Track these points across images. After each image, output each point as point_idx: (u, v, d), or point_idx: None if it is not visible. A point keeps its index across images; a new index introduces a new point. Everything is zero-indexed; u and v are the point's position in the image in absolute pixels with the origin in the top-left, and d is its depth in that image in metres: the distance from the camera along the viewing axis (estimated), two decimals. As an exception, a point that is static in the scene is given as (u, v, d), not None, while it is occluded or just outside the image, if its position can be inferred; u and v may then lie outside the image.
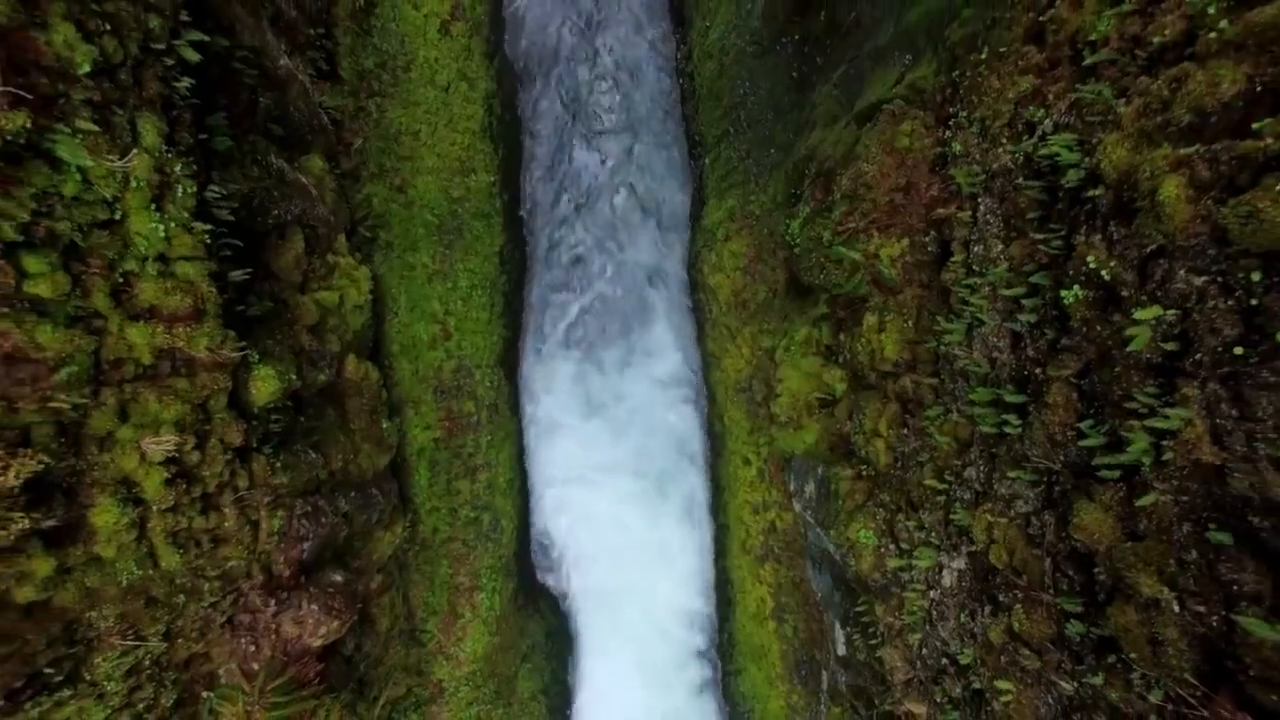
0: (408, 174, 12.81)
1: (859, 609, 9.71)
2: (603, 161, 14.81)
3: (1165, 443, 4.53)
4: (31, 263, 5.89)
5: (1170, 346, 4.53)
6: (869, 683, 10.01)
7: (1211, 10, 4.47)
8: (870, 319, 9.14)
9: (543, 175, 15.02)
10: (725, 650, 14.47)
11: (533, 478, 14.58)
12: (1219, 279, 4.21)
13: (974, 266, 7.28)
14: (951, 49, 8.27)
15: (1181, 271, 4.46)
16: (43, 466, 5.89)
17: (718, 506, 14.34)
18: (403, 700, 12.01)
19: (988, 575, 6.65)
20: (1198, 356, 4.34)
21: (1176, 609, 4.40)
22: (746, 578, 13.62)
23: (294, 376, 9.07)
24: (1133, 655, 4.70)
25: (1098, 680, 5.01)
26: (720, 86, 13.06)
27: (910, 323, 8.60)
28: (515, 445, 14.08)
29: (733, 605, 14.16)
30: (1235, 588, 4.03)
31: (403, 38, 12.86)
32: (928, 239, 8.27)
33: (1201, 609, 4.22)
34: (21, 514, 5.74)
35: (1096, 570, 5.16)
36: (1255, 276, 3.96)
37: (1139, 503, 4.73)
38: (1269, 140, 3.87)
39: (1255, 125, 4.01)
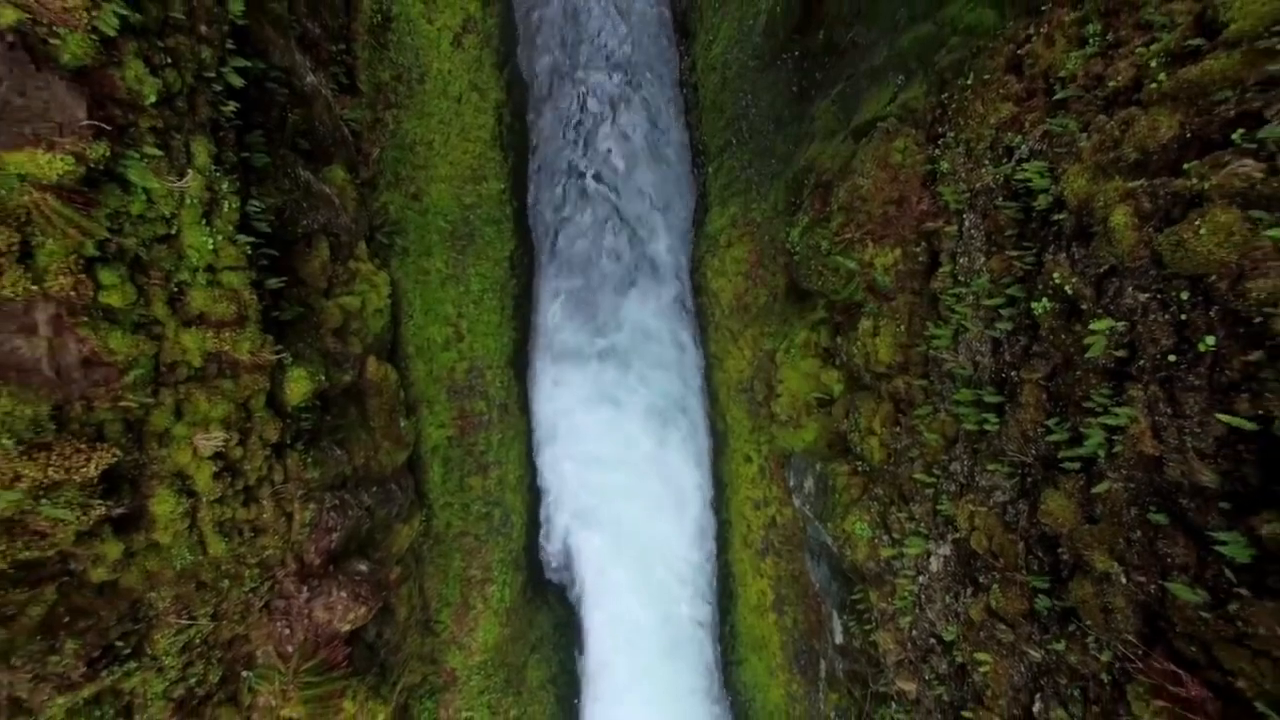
0: (422, 182, 13.58)
1: (855, 597, 10.51)
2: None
3: (1116, 437, 5.33)
4: (106, 276, 6.66)
5: (1120, 353, 5.34)
6: (864, 667, 10.80)
7: (1154, 64, 5.28)
8: (865, 323, 9.92)
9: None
10: (727, 641, 15.26)
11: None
12: (1158, 296, 5.02)
13: (959, 277, 8.08)
14: (940, 73, 9.07)
15: (1129, 289, 5.27)
16: (115, 459, 6.65)
17: (720, 502, 15.14)
18: (418, 687, 12.79)
19: (970, 560, 7.45)
20: (1141, 362, 5.14)
21: (1124, 580, 5.21)
22: (748, 571, 14.42)
23: (322, 377, 9.84)
24: (1089, 623, 5.51)
25: (1060, 646, 5.82)
26: (723, 98, 13.85)
27: (903, 327, 9.39)
28: (525, 443, 14.86)
29: (734, 598, 14.96)
30: (1168, 560, 4.84)
31: (417, 51, 13.63)
32: (918, 249, 9.07)
33: (1142, 579, 5.03)
34: (99, 501, 6.51)
35: (1060, 550, 5.97)
36: (1184, 295, 4.76)
37: (1095, 490, 5.54)
38: (1195, 180, 4.66)
39: (1185, 166, 4.81)
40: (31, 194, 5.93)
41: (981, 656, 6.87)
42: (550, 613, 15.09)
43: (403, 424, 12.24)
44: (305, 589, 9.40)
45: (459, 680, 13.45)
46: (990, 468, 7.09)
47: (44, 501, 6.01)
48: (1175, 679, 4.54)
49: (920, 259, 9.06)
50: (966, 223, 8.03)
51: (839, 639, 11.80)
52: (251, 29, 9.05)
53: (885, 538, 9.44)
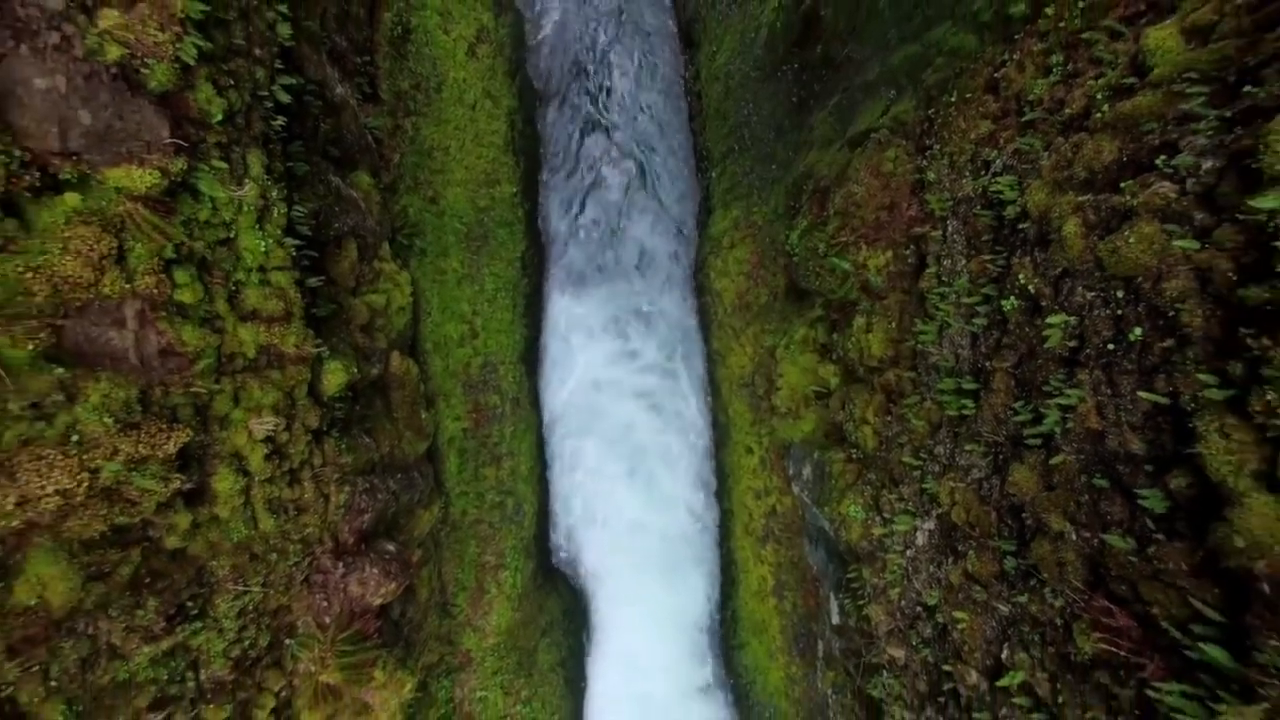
0: (439, 186, 14.62)
1: (850, 576, 11.55)
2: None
3: (1068, 416, 6.39)
4: (180, 275, 7.68)
5: (1072, 344, 6.40)
6: (858, 642, 11.84)
7: (1099, 95, 6.34)
8: (859, 320, 10.97)
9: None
10: (729, 626, 16.31)
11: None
12: (1101, 294, 6.07)
13: (943, 278, 9.13)
14: (928, 90, 10.13)
15: (1079, 288, 6.32)
16: (188, 439, 7.67)
17: (723, 493, 16.18)
18: (436, 666, 13.80)
19: (951, 531, 8.51)
20: (1088, 351, 6.20)
21: (1074, 537, 6.26)
22: (749, 558, 15.46)
23: (354, 369, 10.86)
24: (1045, 576, 6.56)
25: (1024, 599, 6.88)
26: (726, 107, 14.92)
27: (893, 324, 10.44)
28: (535, 435, 15.89)
29: (736, 584, 16.01)
30: (1108, 517, 5.89)
31: (434, 60, 14.67)
32: (907, 252, 10.12)
33: (1088, 535, 6.08)
34: (176, 475, 7.53)
35: (1025, 516, 7.02)
36: (1119, 294, 5.82)
37: (1052, 462, 6.59)
38: (1128, 197, 5.72)
39: (1122, 185, 5.86)
40: (125, 204, 6.94)
41: (959, 615, 7.92)
42: (559, 599, 16.11)
43: (423, 415, 13.27)
44: (340, 565, 10.41)
45: (474, 661, 14.47)
46: (968, 448, 8.14)
47: (135, 473, 7.03)
48: (1109, 613, 5.59)
49: (909, 261, 10.11)
50: (949, 228, 9.08)
51: (835, 619, 12.85)
52: (293, 47, 10.07)
53: (877, 518, 10.49)
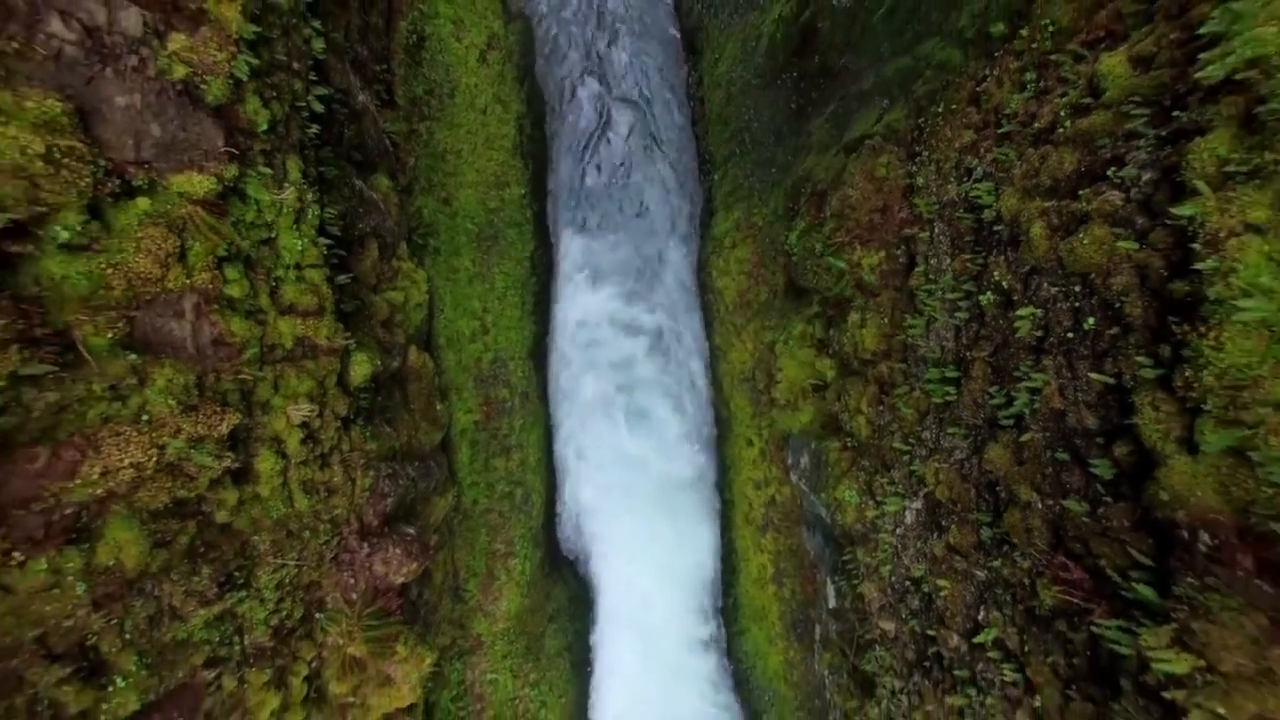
0: (452, 188, 15.55)
1: (845, 558, 12.49)
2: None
3: (1035, 398, 7.34)
4: (230, 272, 8.61)
5: (1038, 333, 7.35)
6: (853, 622, 12.76)
7: (1063, 112, 7.29)
8: (854, 316, 11.91)
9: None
10: (730, 613, 17.23)
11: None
12: (1062, 289, 7.02)
13: (930, 276, 10.08)
14: (917, 100, 11.09)
15: (1044, 284, 7.27)
16: (238, 421, 8.59)
17: (724, 484, 17.11)
18: (449, 649, 14.70)
19: (935, 509, 9.45)
20: (1052, 339, 7.15)
21: (1039, 505, 7.21)
22: (749, 546, 16.39)
23: (378, 362, 11.78)
24: (1015, 541, 7.51)
25: (997, 564, 7.82)
26: (728, 112, 15.87)
27: (885, 319, 11.38)
28: (543, 428, 16.81)
29: (737, 573, 16.93)
30: (1067, 485, 6.83)
31: (448, 67, 15.61)
32: (899, 252, 11.07)
33: (1051, 502, 7.03)
34: (227, 454, 8.44)
35: (999, 490, 7.97)
36: (1077, 288, 6.77)
37: (1022, 440, 7.54)
38: (1084, 203, 6.67)
39: (1080, 192, 6.82)
40: (186, 207, 7.87)
41: (942, 583, 8.86)
42: (566, 587, 17.03)
43: (438, 407, 14.19)
44: (366, 545, 11.32)
45: (484, 645, 15.37)
46: (950, 431, 9.09)
47: (194, 450, 7.95)
48: (1066, 568, 6.53)
49: (900, 260, 11.06)
50: (936, 230, 10.03)
51: (832, 603, 13.78)
52: (324, 60, 11.01)
53: (870, 501, 11.43)
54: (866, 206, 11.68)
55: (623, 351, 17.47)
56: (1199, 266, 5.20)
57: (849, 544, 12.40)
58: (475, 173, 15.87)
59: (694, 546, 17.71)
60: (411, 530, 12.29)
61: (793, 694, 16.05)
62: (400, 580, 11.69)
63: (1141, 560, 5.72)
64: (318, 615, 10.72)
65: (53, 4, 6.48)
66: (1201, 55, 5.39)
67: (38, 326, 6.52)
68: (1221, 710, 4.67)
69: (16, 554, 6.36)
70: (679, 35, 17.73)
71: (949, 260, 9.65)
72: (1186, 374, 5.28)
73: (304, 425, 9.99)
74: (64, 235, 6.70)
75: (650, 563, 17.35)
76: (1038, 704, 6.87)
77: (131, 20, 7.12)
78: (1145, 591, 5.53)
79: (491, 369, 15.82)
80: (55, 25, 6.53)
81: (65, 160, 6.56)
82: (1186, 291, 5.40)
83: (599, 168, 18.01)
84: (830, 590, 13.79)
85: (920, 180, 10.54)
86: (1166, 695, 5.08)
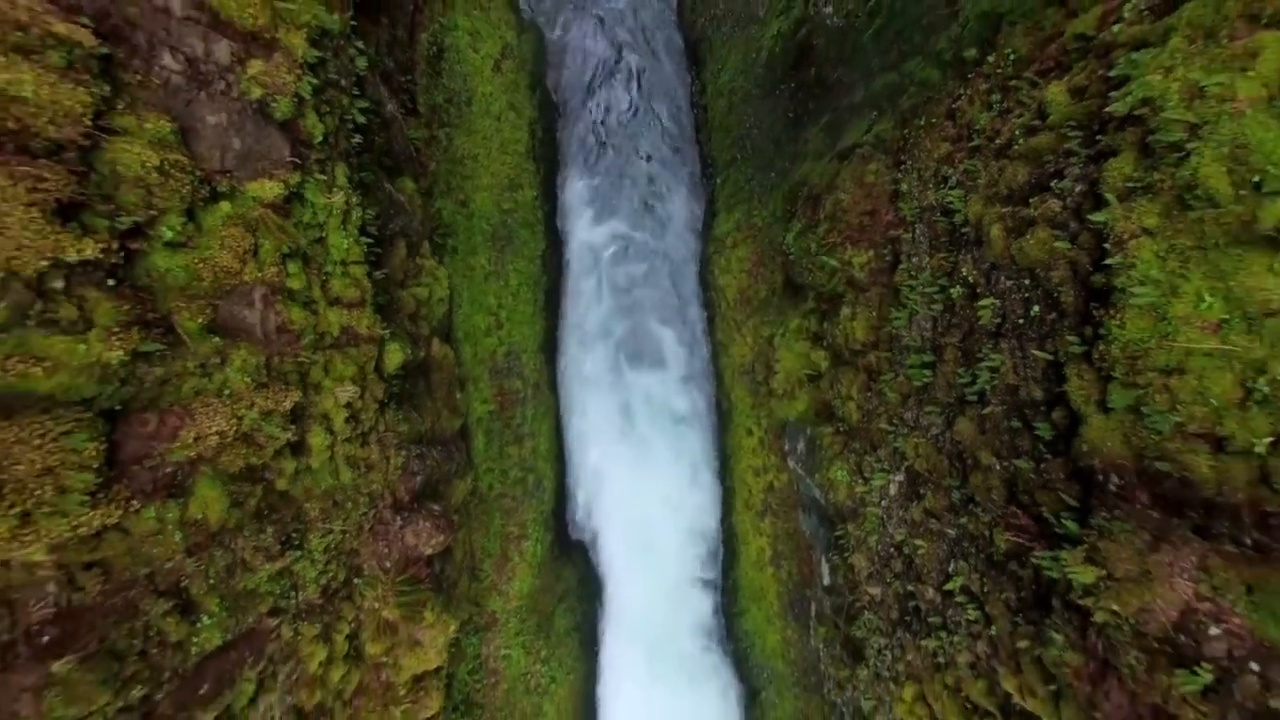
0: (469, 191, 17.05)
1: (837, 534, 13.99)
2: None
3: (994, 375, 8.86)
4: (291, 267, 10.09)
5: (997, 320, 8.87)
6: (845, 596, 14.26)
7: (1018, 131, 8.83)
8: (846, 310, 13.42)
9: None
10: (730, 594, 18.72)
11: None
12: (1015, 282, 8.55)
13: (912, 273, 11.60)
14: (903, 113, 12.62)
15: (1002, 278, 8.80)
16: (298, 398, 10.06)
17: (725, 471, 18.62)
18: (465, 625, 16.15)
19: (915, 479, 10.97)
20: (1008, 325, 8.67)
21: (998, 468, 8.72)
22: (749, 530, 17.89)
23: (409, 351, 13.27)
24: (979, 499, 9.02)
25: (964, 520, 9.34)
26: (730, 120, 17.42)
27: (874, 313, 12.89)
28: (554, 418, 18.30)
29: (737, 556, 18.43)
30: (1019, 449, 8.35)
31: (465, 76, 17.12)
32: (885, 251, 12.59)
33: (1006, 464, 8.54)
34: (290, 427, 9.92)
35: (966, 458, 9.48)
36: (1027, 281, 8.30)
37: (984, 412, 9.06)
38: (1033, 210, 8.19)
39: (1030, 200, 8.34)
40: (259, 210, 9.35)
41: (920, 543, 10.37)
42: (574, 569, 18.51)
43: (458, 396, 15.67)
44: (398, 518, 12.79)
45: (499, 622, 16.83)
46: (927, 410, 10.61)
47: (265, 422, 9.42)
48: (1016, 516, 8.05)
49: (886, 258, 12.58)
50: (917, 231, 11.56)
51: (826, 581, 15.28)
52: (363, 75, 12.51)
53: (860, 479, 12.94)
54: (857, 209, 13.19)
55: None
56: (1109, 262, 6.73)
57: (840, 521, 13.90)
58: (490, 176, 17.38)
59: (689, 471, 19.28)
60: (437, 507, 13.76)
61: (790, 671, 17.53)
62: (428, 551, 13.16)
63: (1070, 502, 7.24)
64: (356, 580, 12.18)
65: (165, 41, 7.97)
66: (1113, 93, 6.93)
67: (150, 312, 8.00)
68: (1116, 607, 6.18)
69: (134, 502, 7.82)
70: (683, 46, 19.29)
71: (927, 258, 11.17)
72: (1101, 348, 6.80)
73: (348, 406, 11.46)
74: (168, 234, 8.18)
75: (650, 489, 18.97)
76: (993, 632, 8.38)
77: (222, 51, 8.62)
78: (1071, 526, 7.05)
79: (506, 361, 17.31)
80: (166, 59, 8.02)
81: (172, 171, 8.04)
82: (1102, 282, 6.93)
83: (606, 168, 19.60)
84: (825, 569, 15.29)
85: (904, 186, 12.06)
86: (1080, 602, 6.60)
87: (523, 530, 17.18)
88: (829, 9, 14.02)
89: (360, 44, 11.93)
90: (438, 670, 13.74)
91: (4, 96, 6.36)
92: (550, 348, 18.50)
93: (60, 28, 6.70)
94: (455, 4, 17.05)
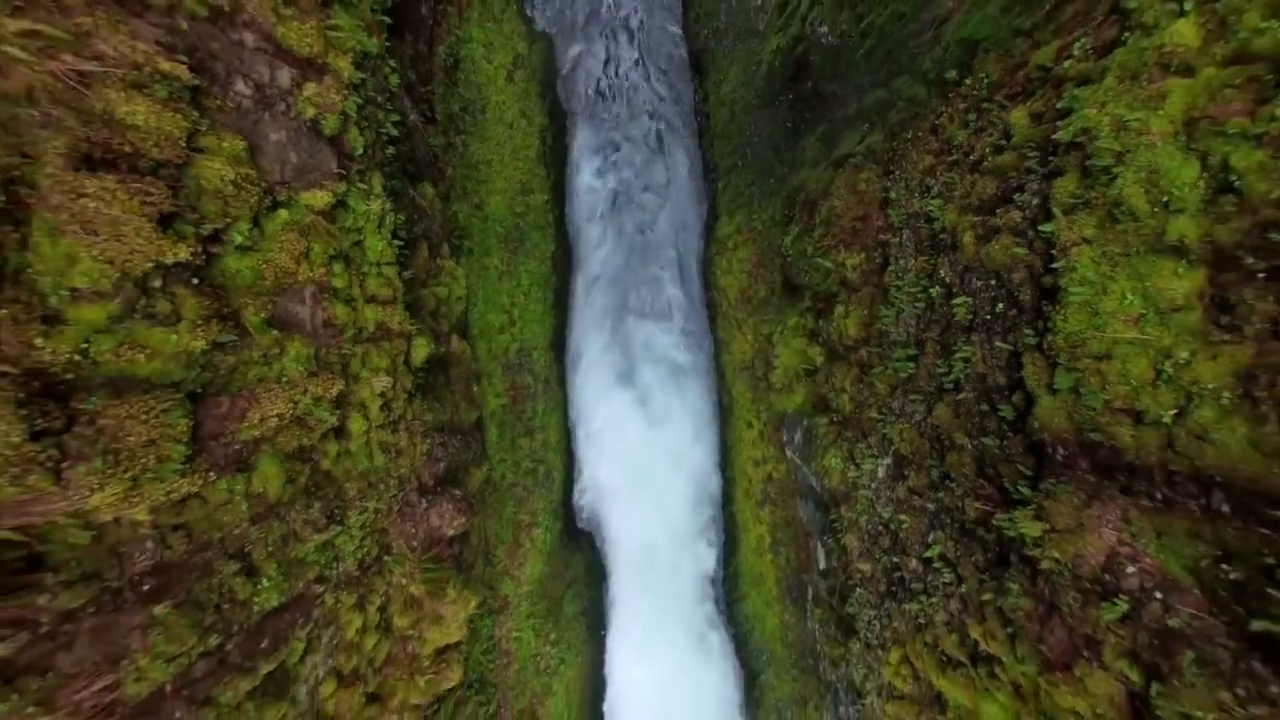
0: (484, 194, 18.46)
1: (831, 518, 15.41)
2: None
3: (966, 365, 10.28)
4: (336, 267, 11.49)
5: (970, 317, 10.30)
6: (839, 577, 15.67)
7: (988, 149, 10.26)
8: (840, 309, 14.85)
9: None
10: (731, 581, 20.14)
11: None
12: (984, 283, 9.98)
13: (899, 274, 13.02)
14: (892, 127, 14.06)
15: (973, 279, 10.23)
16: (342, 386, 11.46)
17: (726, 463, 20.04)
18: (480, 607, 17.53)
19: (900, 462, 12.39)
20: (977, 320, 10.10)
21: (969, 446, 10.14)
22: (749, 519, 19.31)
23: (432, 346, 14.67)
24: (953, 475, 10.44)
25: (942, 495, 10.76)
26: (731, 128, 18.86)
27: (865, 311, 14.31)
28: (563, 413, 19.71)
29: (737, 544, 19.85)
30: (987, 429, 9.77)
31: (480, 86, 18.54)
32: (875, 254, 14.02)
33: (976, 442, 9.97)
34: (335, 412, 11.31)
35: (943, 439, 10.91)
36: (994, 282, 9.73)
37: (958, 399, 10.49)
38: (998, 219, 9.62)
39: (996, 211, 9.77)
40: (311, 217, 10.75)
41: (904, 518, 11.80)
42: (582, 557, 19.91)
43: (474, 389, 17.07)
44: (424, 501, 14.19)
45: (511, 605, 18.23)
46: (911, 398, 12.04)
47: (315, 407, 10.82)
48: (983, 487, 9.47)
49: (876, 261, 14.02)
50: (904, 236, 12.99)
51: (822, 565, 16.69)
52: (395, 91, 13.92)
53: (852, 465, 14.36)
54: (850, 215, 14.62)
55: None
56: (1056, 265, 8.16)
57: (835, 505, 15.33)
58: (504, 180, 18.80)
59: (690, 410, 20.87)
60: (458, 492, 15.16)
61: (787, 653, 18.95)
62: (450, 532, 14.56)
63: (1025, 472, 8.67)
64: (386, 557, 13.57)
65: (239, 70, 9.37)
66: (1060, 121, 8.37)
67: (224, 307, 9.39)
68: (1057, 554, 7.61)
69: (211, 474, 9.21)
70: (687, 57, 20.75)
71: (912, 261, 12.60)
72: (1050, 339, 8.23)
73: (382, 395, 12.86)
74: (239, 239, 9.57)
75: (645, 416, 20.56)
76: (964, 590, 9.81)
77: (284, 76, 10.03)
78: (1025, 491, 8.48)
79: (518, 357, 18.72)
80: (239, 85, 9.43)
81: (244, 184, 9.44)
82: (1051, 283, 8.37)
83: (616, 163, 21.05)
84: (820, 553, 16.70)
85: (893, 194, 13.50)
86: (1031, 554, 8.03)
87: (534, 518, 18.57)
88: (824, 28, 15.47)
89: (393, 62, 13.34)
90: (458, 644, 15.14)
91: (123, 124, 7.76)
92: (560, 345, 19.91)
93: (165, 65, 8.11)
94: (471, 17, 18.47)
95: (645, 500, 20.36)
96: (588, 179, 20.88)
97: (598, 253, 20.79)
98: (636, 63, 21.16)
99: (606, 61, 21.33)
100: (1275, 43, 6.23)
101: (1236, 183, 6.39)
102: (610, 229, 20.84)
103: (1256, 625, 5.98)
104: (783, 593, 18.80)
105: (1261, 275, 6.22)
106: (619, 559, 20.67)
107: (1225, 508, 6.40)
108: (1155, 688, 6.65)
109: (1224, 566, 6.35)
